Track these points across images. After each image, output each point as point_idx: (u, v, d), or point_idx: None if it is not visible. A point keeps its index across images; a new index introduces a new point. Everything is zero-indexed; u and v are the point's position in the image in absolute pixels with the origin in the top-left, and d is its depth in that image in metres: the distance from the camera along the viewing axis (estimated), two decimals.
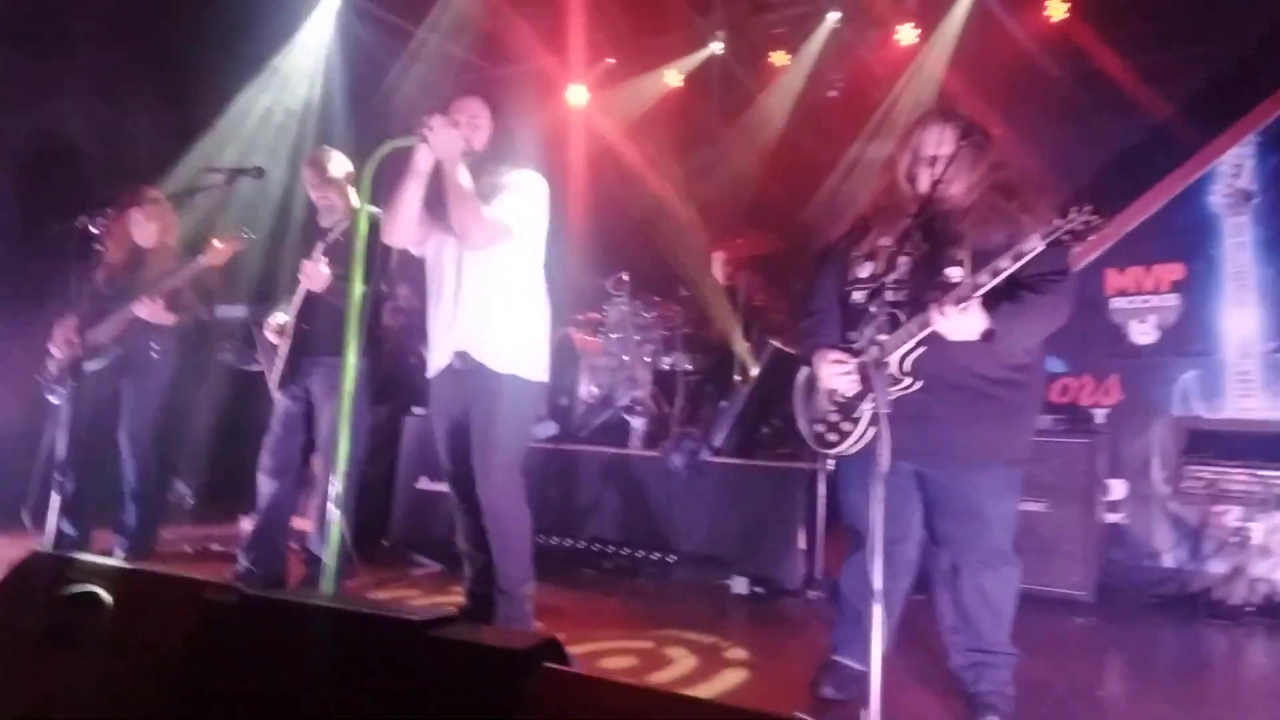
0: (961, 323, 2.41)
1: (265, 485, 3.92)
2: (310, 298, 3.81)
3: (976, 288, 2.39)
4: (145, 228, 4.57)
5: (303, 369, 3.86)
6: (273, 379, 3.91)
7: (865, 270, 2.67)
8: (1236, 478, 4.30)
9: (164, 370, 4.68)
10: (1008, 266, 2.37)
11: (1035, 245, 2.34)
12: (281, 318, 3.93)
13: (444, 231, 3.20)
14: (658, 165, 6.82)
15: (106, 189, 4.37)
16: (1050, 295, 2.49)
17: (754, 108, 6.76)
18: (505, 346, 3.15)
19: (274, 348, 3.94)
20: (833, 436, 2.67)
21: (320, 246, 3.74)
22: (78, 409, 3.82)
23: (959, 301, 2.39)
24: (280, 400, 3.95)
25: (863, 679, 2.64)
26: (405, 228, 3.16)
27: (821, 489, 4.28)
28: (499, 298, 3.15)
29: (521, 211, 3.16)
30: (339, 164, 4.00)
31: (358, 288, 2.79)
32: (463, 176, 3.01)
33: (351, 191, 4.01)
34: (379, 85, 6.87)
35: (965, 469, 2.59)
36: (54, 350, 4.54)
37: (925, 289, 2.53)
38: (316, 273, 3.72)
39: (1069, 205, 2.31)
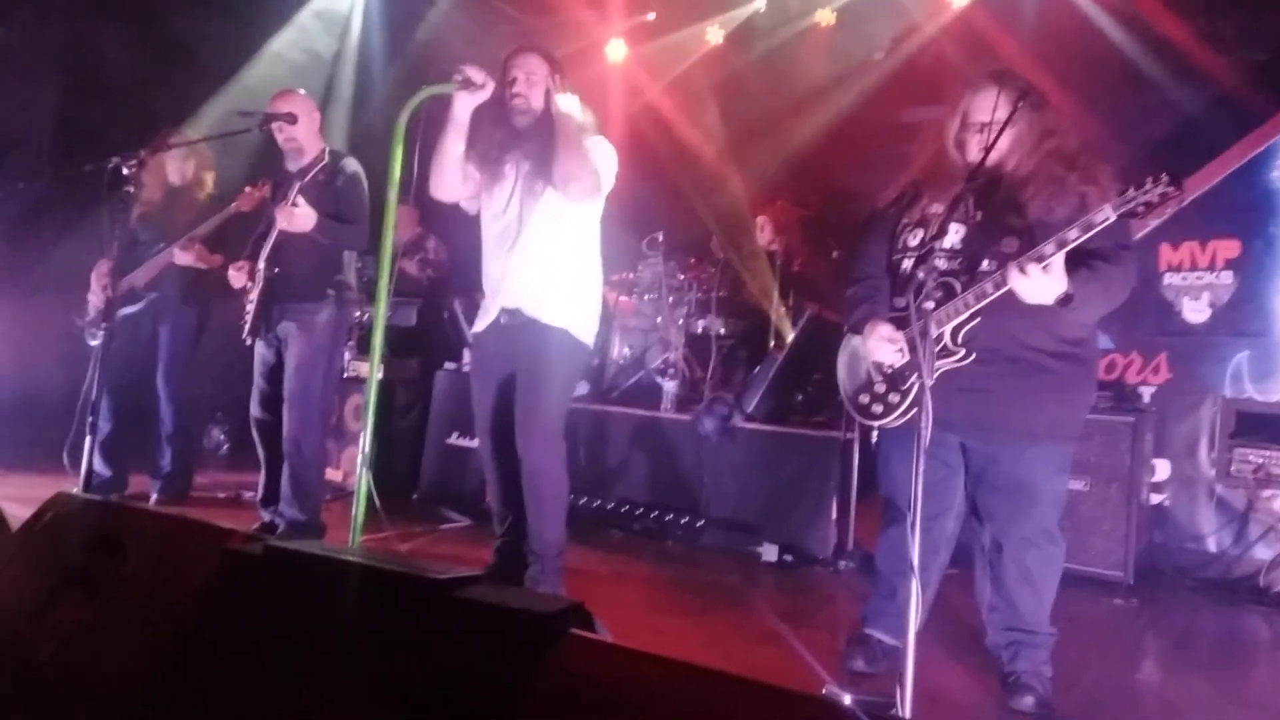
0: (1042, 283, 2.30)
1: (261, 438, 3.91)
2: (280, 243, 3.73)
3: (1061, 244, 2.27)
4: (181, 167, 4.56)
5: (274, 316, 3.80)
6: (244, 328, 3.84)
7: (915, 238, 2.57)
8: None
9: (197, 314, 4.69)
10: (1077, 237, 2.27)
11: (1108, 216, 2.23)
12: (244, 263, 3.83)
13: (505, 185, 3.14)
14: (696, 123, 6.69)
15: (141, 131, 4.34)
16: (1121, 266, 2.41)
17: (797, 68, 6.58)
18: (559, 303, 3.10)
19: (244, 293, 3.86)
20: (878, 407, 2.59)
21: (296, 186, 3.64)
22: (112, 351, 3.82)
23: (1041, 260, 2.28)
24: (257, 349, 3.90)
25: (894, 653, 2.59)
26: (450, 180, 3.11)
27: (856, 458, 4.20)
28: (559, 257, 3.10)
29: (607, 172, 3.11)
30: (301, 104, 3.87)
31: (389, 240, 2.74)
32: (573, 125, 2.96)
33: (318, 133, 3.93)
34: (415, 32, 6.77)
35: (1019, 444, 2.51)
36: (91, 294, 4.55)
37: (981, 258, 2.43)
38: (300, 214, 3.60)
39: (1139, 174, 2.20)
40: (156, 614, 1.80)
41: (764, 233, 5.69)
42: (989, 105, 2.48)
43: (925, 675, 2.36)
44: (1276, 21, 4.89)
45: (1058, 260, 2.29)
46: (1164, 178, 2.18)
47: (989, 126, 2.46)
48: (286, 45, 6.27)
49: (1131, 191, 2.22)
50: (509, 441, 3.11)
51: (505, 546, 3.32)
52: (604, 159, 3.10)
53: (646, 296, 5.50)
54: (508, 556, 3.29)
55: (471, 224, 3.35)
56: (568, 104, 3.12)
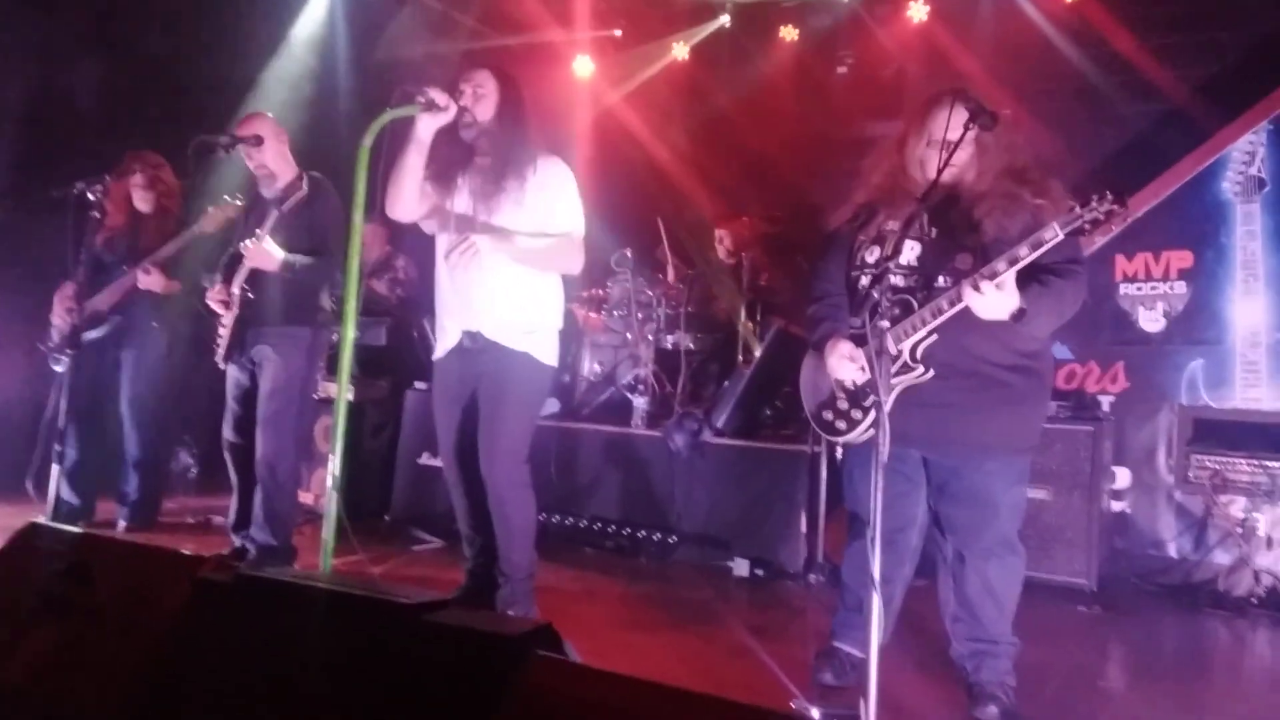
0: (996, 300, 2.36)
1: (233, 462, 3.91)
2: (255, 267, 3.73)
3: (1012, 261, 2.34)
4: (144, 193, 4.53)
5: (249, 340, 3.80)
6: (218, 351, 3.85)
7: (872, 255, 2.63)
8: (1242, 468, 4.26)
9: (163, 338, 4.66)
10: (1026, 255, 2.33)
11: (1055, 234, 2.30)
12: (220, 287, 3.82)
13: (456, 206, 3.15)
14: (663, 139, 6.75)
15: (106, 153, 4.33)
16: (1072, 280, 2.48)
17: (762, 83, 6.67)
18: (519, 326, 3.10)
19: (217, 318, 3.86)
20: (841, 424, 2.64)
21: (269, 223, 3.65)
22: (78, 377, 3.81)
23: (993, 277, 2.34)
24: (230, 373, 3.90)
25: (862, 666, 2.62)
26: (407, 200, 3.10)
27: (824, 472, 4.25)
28: (516, 277, 3.10)
29: (578, 214, 3.17)
30: (268, 127, 3.86)
31: (355, 261, 2.75)
32: (532, 254, 3.09)
33: (288, 157, 3.93)
34: (379, 49, 6.78)
35: (977, 456, 2.57)
36: (55, 317, 4.52)
37: (937, 274, 2.49)
38: (266, 254, 3.63)
39: (1086, 191, 2.27)
40: (128, 642, 1.81)
41: (723, 245, 5.77)
42: (946, 122, 2.53)
43: (891, 687, 2.41)
44: (1224, 38, 5.04)
45: (1010, 277, 2.35)
46: (1109, 196, 2.25)
47: (947, 144, 2.51)
48: (259, 64, 6.29)
49: (1078, 209, 2.29)
50: (474, 465, 3.12)
51: (476, 568, 3.33)
52: (574, 206, 3.15)
53: (615, 313, 5.54)
54: (479, 578, 3.30)
55: None
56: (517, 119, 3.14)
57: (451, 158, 3.12)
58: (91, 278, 4.12)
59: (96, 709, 1.81)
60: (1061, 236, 2.30)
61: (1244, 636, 3.81)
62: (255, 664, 1.70)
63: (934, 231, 2.57)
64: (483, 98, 3.09)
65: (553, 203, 3.11)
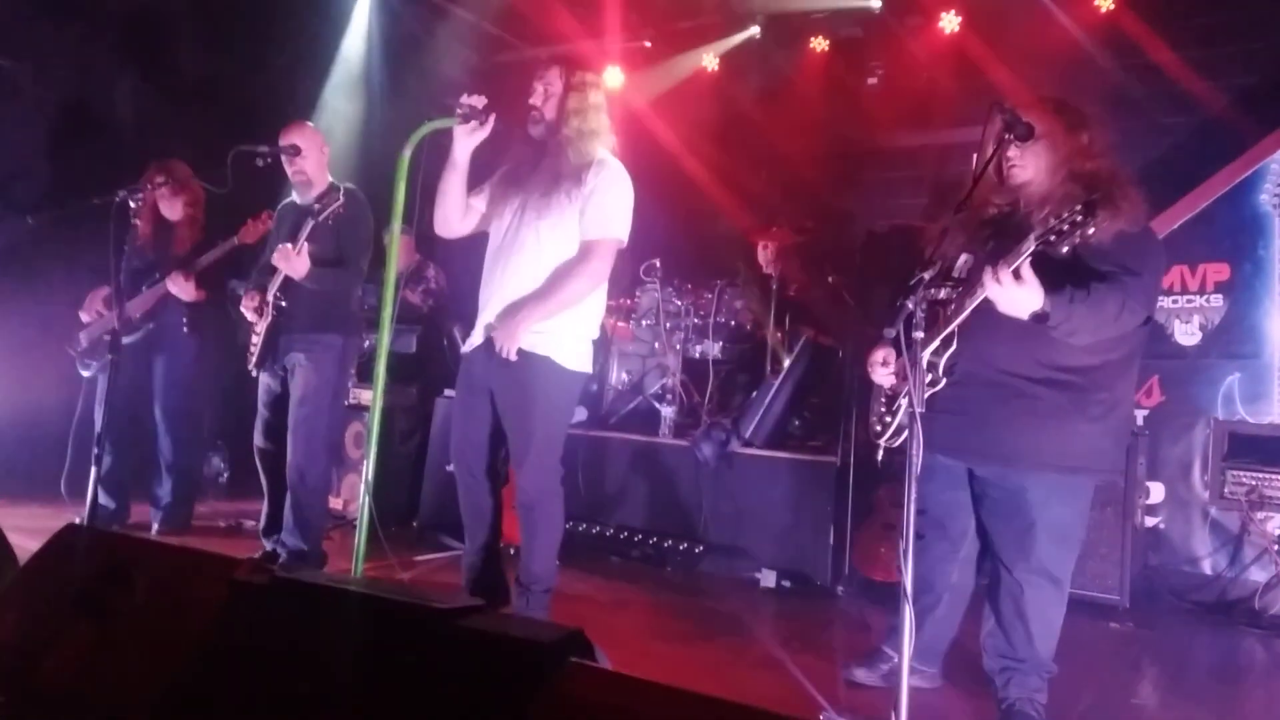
0: (1015, 294, 2.24)
1: (264, 468, 3.95)
2: (289, 275, 3.77)
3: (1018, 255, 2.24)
4: (172, 202, 4.58)
5: (281, 347, 3.84)
6: (250, 359, 3.89)
7: (930, 271, 2.57)
8: (1279, 484, 4.20)
9: (195, 344, 4.71)
10: (1029, 248, 2.21)
11: (1031, 245, 2.20)
12: (255, 295, 3.86)
13: (510, 210, 3.13)
14: (693, 149, 6.76)
15: (144, 163, 4.40)
16: (1118, 290, 2.33)
17: (792, 93, 6.67)
18: (544, 330, 3.02)
19: (250, 325, 3.90)
20: (879, 427, 2.69)
21: (305, 230, 3.67)
22: (114, 383, 3.86)
23: (1013, 266, 2.22)
24: (262, 380, 3.95)
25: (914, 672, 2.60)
26: (450, 219, 3.15)
27: (852, 483, 4.22)
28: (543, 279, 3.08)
29: (625, 216, 3.14)
30: (310, 137, 3.91)
31: (393, 271, 2.78)
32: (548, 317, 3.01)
33: (325, 167, 3.96)
34: (415, 62, 6.86)
35: (1011, 470, 2.54)
36: (84, 318, 4.59)
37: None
38: (297, 261, 3.66)
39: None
40: (165, 643, 1.83)
41: (766, 251, 5.76)
42: (983, 133, 2.51)
43: (925, 699, 2.39)
44: (1262, 49, 4.98)
45: (1029, 272, 2.23)
46: (1077, 208, 2.15)
47: (1004, 148, 2.46)
48: (296, 75, 6.37)
49: (1053, 220, 2.18)
50: (480, 461, 3.13)
51: (477, 562, 3.26)
52: (624, 208, 3.12)
53: (644, 322, 5.55)
54: (477, 570, 3.25)
55: (469, 251, 3.39)
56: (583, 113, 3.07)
57: (522, 156, 3.14)
58: (125, 285, 4.19)
59: (133, 709, 1.84)
60: (1034, 247, 2.19)
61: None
62: (291, 667, 1.72)
63: (991, 245, 2.52)
64: (550, 96, 3.07)
65: (601, 206, 3.06)
